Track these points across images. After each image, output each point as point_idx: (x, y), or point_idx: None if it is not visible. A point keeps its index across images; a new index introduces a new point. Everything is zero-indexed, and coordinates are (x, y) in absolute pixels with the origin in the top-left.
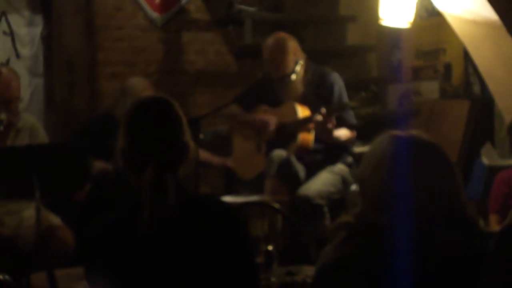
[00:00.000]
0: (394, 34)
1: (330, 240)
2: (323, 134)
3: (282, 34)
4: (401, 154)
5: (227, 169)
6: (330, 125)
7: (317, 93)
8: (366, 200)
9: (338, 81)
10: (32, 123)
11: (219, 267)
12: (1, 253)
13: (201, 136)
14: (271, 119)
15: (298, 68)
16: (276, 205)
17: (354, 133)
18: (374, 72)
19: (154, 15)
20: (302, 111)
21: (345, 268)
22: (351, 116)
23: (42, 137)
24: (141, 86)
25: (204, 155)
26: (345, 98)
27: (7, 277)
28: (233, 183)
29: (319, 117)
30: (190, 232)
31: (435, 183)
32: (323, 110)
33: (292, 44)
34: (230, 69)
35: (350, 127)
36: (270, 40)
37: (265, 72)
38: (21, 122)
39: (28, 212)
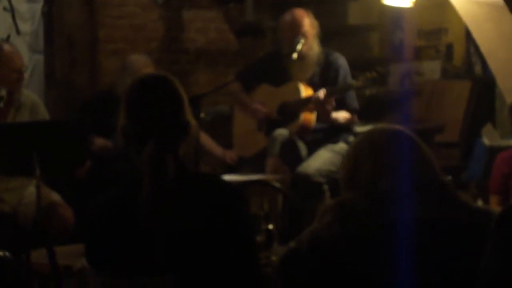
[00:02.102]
0: (396, 14)
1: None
2: (322, 114)
3: (299, 10)
4: (380, 144)
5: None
6: (329, 107)
7: (322, 74)
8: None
9: (343, 64)
10: (32, 100)
11: (219, 245)
12: (1, 229)
13: (202, 115)
14: (262, 111)
15: (299, 46)
16: (277, 184)
17: (355, 117)
18: (376, 51)
19: None
20: (306, 91)
21: (339, 246)
22: (353, 99)
23: (43, 114)
24: (142, 63)
25: (207, 141)
26: (350, 80)
27: (7, 253)
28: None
29: (320, 96)
30: (190, 210)
31: (413, 165)
32: (323, 90)
33: (309, 21)
34: (231, 47)
35: (351, 111)
36: (286, 16)
37: (275, 49)
38: (22, 99)
39: (28, 189)
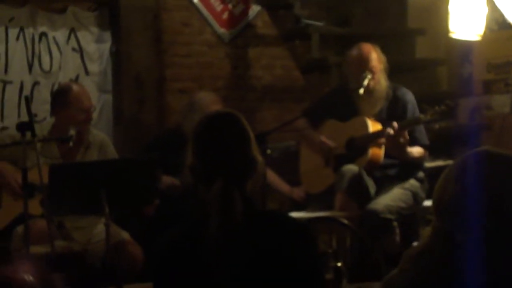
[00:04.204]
0: (464, 47)
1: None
2: (395, 149)
3: (366, 45)
4: (474, 169)
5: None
6: (402, 140)
7: (390, 109)
8: (439, 218)
9: (411, 99)
10: (101, 139)
11: (288, 284)
12: (71, 268)
13: (269, 151)
14: (328, 144)
15: (366, 82)
16: (345, 221)
17: (426, 152)
18: (444, 85)
19: (222, 30)
20: (373, 126)
21: None
22: (423, 134)
23: (112, 152)
24: (209, 100)
25: (273, 179)
26: (418, 115)
27: None
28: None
29: (391, 131)
30: (258, 248)
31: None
32: (395, 124)
33: (376, 56)
34: (297, 84)
35: (421, 146)
36: (353, 51)
37: (341, 84)
38: (91, 138)
39: (97, 227)
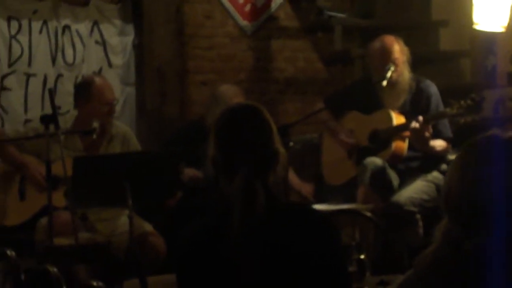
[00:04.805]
0: (488, 39)
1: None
2: (419, 142)
3: (389, 37)
4: (494, 157)
5: (308, 199)
6: (427, 134)
7: (413, 101)
8: (451, 216)
9: (435, 91)
10: (124, 131)
11: (311, 276)
12: (95, 260)
13: (291, 144)
14: (348, 143)
15: (389, 74)
16: (368, 213)
17: (450, 145)
18: (468, 78)
19: (244, 23)
20: (397, 119)
21: None
22: (447, 128)
23: (134, 145)
24: (231, 93)
25: (294, 180)
26: (442, 108)
27: (101, 283)
28: (323, 191)
29: (415, 125)
30: (281, 240)
31: None
32: (421, 118)
33: (399, 48)
34: (320, 76)
35: (445, 139)
36: (376, 43)
37: (364, 76)
38: (114, 130)
39: (121, 219)
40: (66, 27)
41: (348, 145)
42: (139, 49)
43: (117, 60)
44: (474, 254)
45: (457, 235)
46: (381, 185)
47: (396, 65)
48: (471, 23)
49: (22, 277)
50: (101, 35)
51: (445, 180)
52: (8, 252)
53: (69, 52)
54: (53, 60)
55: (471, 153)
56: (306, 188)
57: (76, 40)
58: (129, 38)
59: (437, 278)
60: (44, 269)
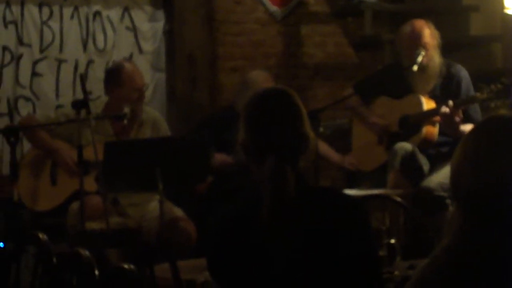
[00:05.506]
0: None
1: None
2: (449, 127)
3: (419, 21)
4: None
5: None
6: (457, 118)
7: (443, 86)
8: (464, 206)
9: (465, 76)
10: (154, 117)
11: (341, 259)
12: (126, 244)
13: (321, 129)
14: (380, 124)
15: (419, 58)
16: (398, 198)
17: None
18: (499, 62)
19: (274, 8)
20: (427, 104)
21: None
22: (477, 112)
23: (165, 130)
24: (262, 78)
25: (324, 148)
26: (472, 93)
27: (132, 266)
28: (353, 176)
29: (445, 110)
30: (311, 224)
31: None
32: (451, 102)
33: (430, 32)
34: (350, 61)
35: (476, 123)
36: (406, 27)
37: (394, 61)
38: (144, 115)
39: (151, 204)
40: (97, 13)
41: (380, 126)
42: (170, 35)
43: (147, 46)
44: (495, 251)
45: (472, 228)
46: (411, 171)
47: (426, 49)
48: (502, 7)
49: (54, 260)
50: (132, 21)
51: (453, 164)
52: (40, 235)
53: (100, 38)
54: (84, 46)
55: (485, 134)
56: (349, 160)
57: (107, 26)
58: (160, 24)
59: (454, 275)
60: (76, 253)
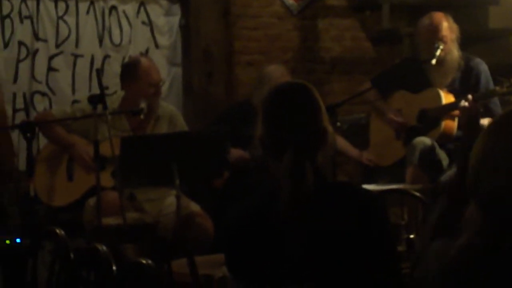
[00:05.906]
0: None
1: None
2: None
3: (438, 14)
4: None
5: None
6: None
7: (462, 80)
8: (485, 207)
9: (485, 69)
10: (171, 111)
11: (359, 254)
12: (143, 239)
13: (338, 124)
14: (397, 121)
15: (438, 52)
16: (417, 193)
17: None
18: None
19: (290, 2)
20: (446, 98)
21: None
22: (497, 106)
23: (181, 125)
24: (279, 73)
25: (342, 143)
26: (492, 87)
27: (150, 261)
28: (371, 171)
29: (465, 103)
30: (330, 219)
31: None
32: (470, 96)
33: (448, 25)
34: (368, 55)
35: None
36: (424, 20)
37: (412, 54)
38: (161, 110)
39: (168, 199)
40: (113, 8)
41: (397, 123)
42: (186, 29)
43: (163, 40)
44: None
45: (492, 228)
46: (430, 165)
47: (444, 42)
48: None
49: (72, 256)
50: (148, 15)
51: (471, 162)
52: (58, 231)
53: (116, 32)
54: (100, 41)
55: (503, 130)
56: (366, 155)
57: (123, 20)
58: (176, 19)
59: (473, 275)
60: (94, 248)
